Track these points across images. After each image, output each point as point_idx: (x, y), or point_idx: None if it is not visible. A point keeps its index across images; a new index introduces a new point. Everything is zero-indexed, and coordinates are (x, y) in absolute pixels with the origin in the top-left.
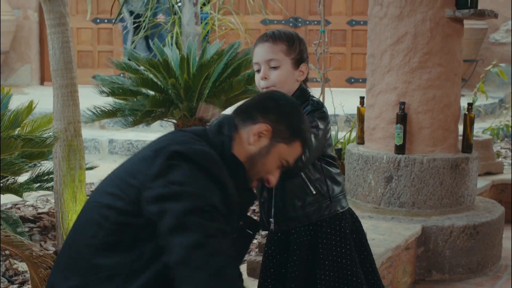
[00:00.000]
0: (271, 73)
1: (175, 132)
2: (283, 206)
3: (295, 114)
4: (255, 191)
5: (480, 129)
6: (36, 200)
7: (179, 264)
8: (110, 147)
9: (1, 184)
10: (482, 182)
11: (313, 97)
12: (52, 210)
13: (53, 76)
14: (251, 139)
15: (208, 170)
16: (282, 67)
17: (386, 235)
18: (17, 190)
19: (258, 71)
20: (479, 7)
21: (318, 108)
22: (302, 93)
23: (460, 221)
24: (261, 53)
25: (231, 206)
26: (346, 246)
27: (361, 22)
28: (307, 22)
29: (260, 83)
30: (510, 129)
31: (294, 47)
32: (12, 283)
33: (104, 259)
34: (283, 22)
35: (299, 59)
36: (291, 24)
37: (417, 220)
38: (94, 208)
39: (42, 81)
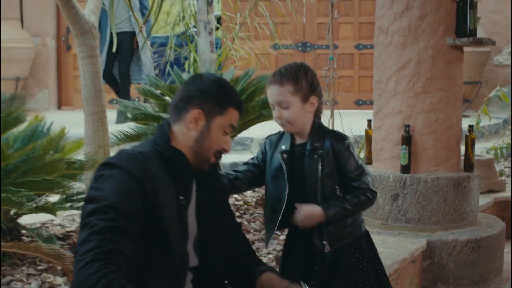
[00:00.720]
0: (283, 113)
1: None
2: (333, 227)
3: (217, 87)
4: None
5: (484, 148)
6: (63, 220)
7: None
8: None
9: (34, 205)
10: (485, 200)
11: (330, 131)
12: (79, 229)
13: (84, 104)
14: (190, 126)
15: (126, 169)
16: (291, 106)
17: (393, 249)
18: (51, 209)
19: (272, 107)
20: (484, 30)
21: (346, 145)
22: (320, 129)
23: (463, 236)
24: (271, 95)
25: (157, 196)
26: (363, 262)
27: (368, 46)
28: (316, 47)
29: (276, 121)
30: (511, 148)
31: (300, 85)
32: None
33: None
34: (292, 46)
35: (307, 94)
36: (300, 49)
37: (422, 235)
38: None
39: (59, 106)
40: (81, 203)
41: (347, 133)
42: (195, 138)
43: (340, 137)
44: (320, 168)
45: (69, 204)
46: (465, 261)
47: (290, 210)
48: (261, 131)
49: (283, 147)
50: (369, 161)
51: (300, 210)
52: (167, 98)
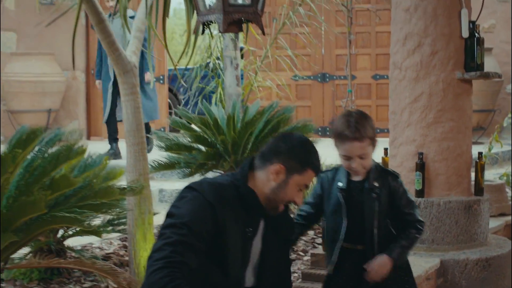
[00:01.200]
0: (362, 163)
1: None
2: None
3: (301, 148)
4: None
5: (498, 174)
6: (101, 243)
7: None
8: (160, 196)
9: (78, 228)
10: (496, 222)
11: (385, 169)
12: (117, 251)
13: (126, 136)
14: (271, 177)
15: (203, 195)
16: (369, 155)
17: None
18: (97, 231)
19: (347, 158)
20: (496, 60)
21: (399, 183)
22: (376, 168)
23: (474, 255)
24: (352, 150)
25: (224, 224)
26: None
27: (385, 76)
28: (334, 77)
29: (352, 169)
30: None
31: (373, 135)
32: None
33: None
34: (312, 77)
35: (375, 140)
36: (319, 80)
37: (436, 254)
38: None
39: (88, 136)
40: (121, 227)
41: None
42: (272, 188)
43: (394, 176)
44: (378, 205)
45: (111, 227)
46: (476, 279)
47: (347, 240)
48: None
49: (340, 184)
50: None
51: (371, 268)
52: (198, 129)
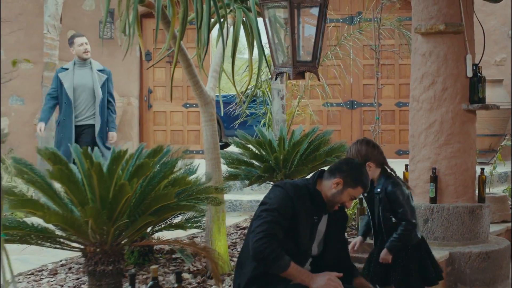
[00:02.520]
0: None
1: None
2: None
3: (357, 171)
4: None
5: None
6: (183, 237)
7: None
8: None
9: (167, 223)
10: (499, 227)
11: (390, 179)
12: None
13: (205, 152)
14: (333, 186)
15: (286, 191)
16: None
17: None
18: (183, 225)
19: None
20: (506, 90)
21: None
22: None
23: (476, 249)
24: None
25: (299, 211)
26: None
27: (407, 104)
28: (362, 104)
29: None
30: None
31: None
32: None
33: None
34: (342, 104)
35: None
36: (348, 106)
37: (446, 248)
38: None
39: None
40: (197, 224)
41: None
42: (332, 193)
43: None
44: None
45: (189, 224)
46: (478, 268)
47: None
48: None
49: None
50: None
51: (380, 256)
52: (254, 149)
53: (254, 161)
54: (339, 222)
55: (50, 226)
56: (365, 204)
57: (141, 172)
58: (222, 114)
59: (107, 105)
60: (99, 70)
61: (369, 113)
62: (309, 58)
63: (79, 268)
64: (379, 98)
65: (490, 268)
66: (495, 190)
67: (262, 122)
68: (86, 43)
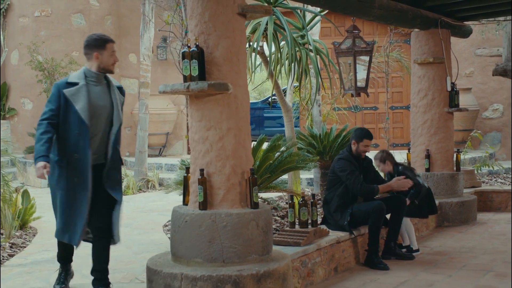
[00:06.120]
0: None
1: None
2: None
3: (358, 133)
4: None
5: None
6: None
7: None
8: None
9: (268, 185)
10: (469, 190)
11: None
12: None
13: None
14: (353, 147)
15: (346, 159)
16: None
17: None
18: (275, 187)
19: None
20: (474, 96)
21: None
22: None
23: (455, 200)
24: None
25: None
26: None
27: (398, 107)
28: (363, 108)
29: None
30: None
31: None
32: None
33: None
34: (347, 108)
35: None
36: (352, 110)
37: (437, 199)
38: None
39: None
40: (283, 187)
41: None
42: (355, 149)
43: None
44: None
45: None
46: (457, 211)
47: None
48: None
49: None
50: None
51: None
52: (309, 138)
53: (309, 148)
54: (367, 162)
55: None
56: None
57: (275, 149)
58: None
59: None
60: (117, 87)
61: (369, 115)
62: (364, 84)
63: None
64: (376, 102)
65: (464, 212)
66: (470, 167)
67: (307, 122)
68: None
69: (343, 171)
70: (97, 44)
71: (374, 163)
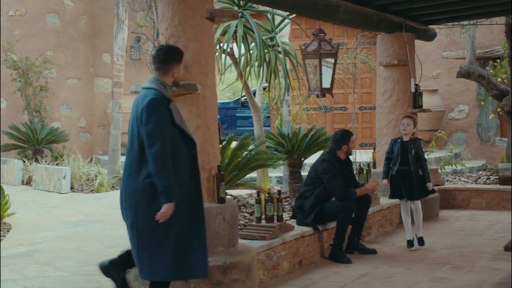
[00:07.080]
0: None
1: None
2: None
3: (340, 134)
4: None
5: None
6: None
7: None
8: None
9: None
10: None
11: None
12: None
13: (256, 138)
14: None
15: (329, 161)
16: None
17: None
18: (244, 184)
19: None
20: (441, 97)
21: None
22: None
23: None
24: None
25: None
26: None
27: (367, 108)
28: (333, 109)
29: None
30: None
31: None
32: None
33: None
34: (317, 109)
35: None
36: (322, 110)
37: None
38: None
39: None
40: (252, 184)
41: (358, 159)
42: (345, 151)
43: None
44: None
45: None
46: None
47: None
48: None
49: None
50: (374, 166)
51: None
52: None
53: (278, 147)
54: (347, 163)
55: None
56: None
57: (243, 147)
58: (220, 117)
59: None
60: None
61: (338, 115)
62: (329, 85)
63: None
64: (345, 103)
65: (427, 209)
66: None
67: (276, 122)
68: None
69: (326, 173)
70: (172, 57)
71: (404, 121)
